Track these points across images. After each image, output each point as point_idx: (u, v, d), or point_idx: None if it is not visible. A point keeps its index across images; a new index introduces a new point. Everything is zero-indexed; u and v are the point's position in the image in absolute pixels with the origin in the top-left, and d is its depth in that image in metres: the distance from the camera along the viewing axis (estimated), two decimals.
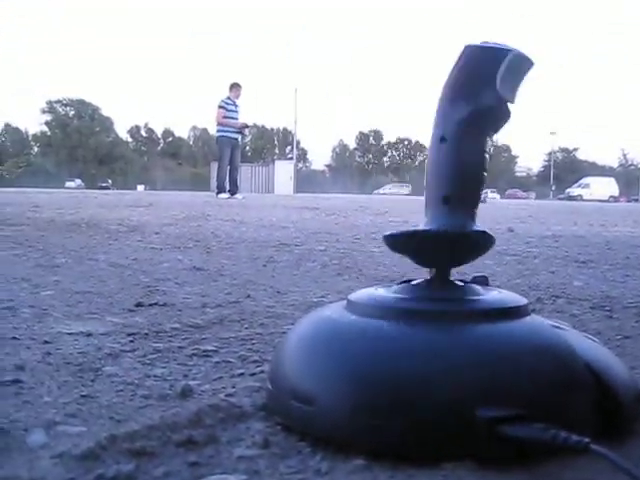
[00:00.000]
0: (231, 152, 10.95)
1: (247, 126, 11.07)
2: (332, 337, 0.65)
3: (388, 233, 0.68)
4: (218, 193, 10.85)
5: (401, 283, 0.69)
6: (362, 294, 0.69)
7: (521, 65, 0.66)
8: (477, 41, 0.67)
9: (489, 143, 0.68)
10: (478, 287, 0.68)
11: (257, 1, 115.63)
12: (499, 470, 0.54)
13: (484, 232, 0.66)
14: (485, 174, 0.67)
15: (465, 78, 0.66)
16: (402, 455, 0.56)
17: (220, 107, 10.91)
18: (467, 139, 0.66)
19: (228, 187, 10.99)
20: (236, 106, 11.03)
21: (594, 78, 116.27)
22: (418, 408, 0.56)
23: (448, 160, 0.66)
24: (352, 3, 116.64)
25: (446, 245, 0.66)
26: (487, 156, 0.67)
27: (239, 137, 11.22)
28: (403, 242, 0.68)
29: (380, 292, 0.68)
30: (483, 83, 0.64)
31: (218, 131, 11.01)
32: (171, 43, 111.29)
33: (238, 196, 10.71)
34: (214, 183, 12.21)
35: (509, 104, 0.65)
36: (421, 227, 0.67)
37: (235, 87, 11.16)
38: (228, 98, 11.03)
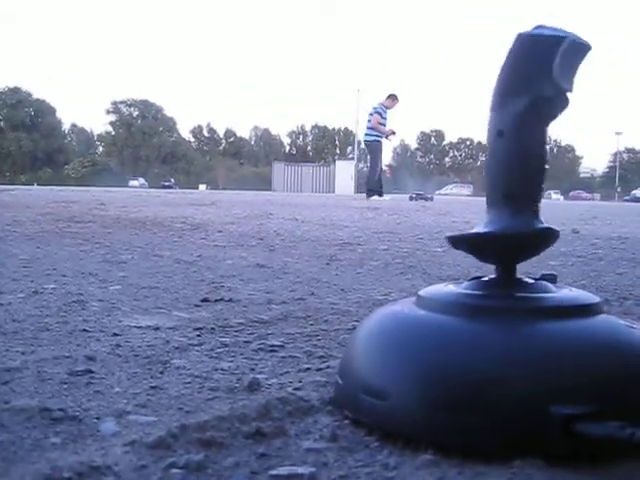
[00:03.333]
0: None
1: (394, 133, 11.33)
2: (403, 332, 0.64)
3: (450, 234, 0.67)
4: (370, 195, 11.08)
5: (471, 279, 0.69)
6: (432, 290, 0.68)
7: (578, 51, 0.63)
8: (530, 27, 0.64)
9: (548, 134, 0.65)
10: (549, 284, 0.67)
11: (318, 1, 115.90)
12: (568, 469, 0.53)
13: (548, 228, 0.65)
14: (546, 167, 0.66)
15: (520, 69, 0.64)
16: (473, 451, 0.55)
17: (377, 113, 11.19)
18: (526, 132, 0.64)
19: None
20: (386, 114, 11.33)
21: None
22: (491, 404, 0.55)
23: (507, 155, 0.65)
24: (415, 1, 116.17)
25: (511, 244, 0.65)
26: (547, 148, 0.66)
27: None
28: (466, 244, 0.68)
29: (450, 288, 0.67)
30: (539, 73, 0.62)
31: (371, 135, 11.29)
32: (233, 44, 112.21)
33: (385, 197, 10.96)
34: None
35: (567, 93, 0.63)
36: (483, 228, 0.66)
37: (392, 97, 11.45)
38: (384, 105, 11.32)
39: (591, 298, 0.65)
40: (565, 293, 0.66)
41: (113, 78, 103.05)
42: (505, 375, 0.56)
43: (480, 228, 0.67)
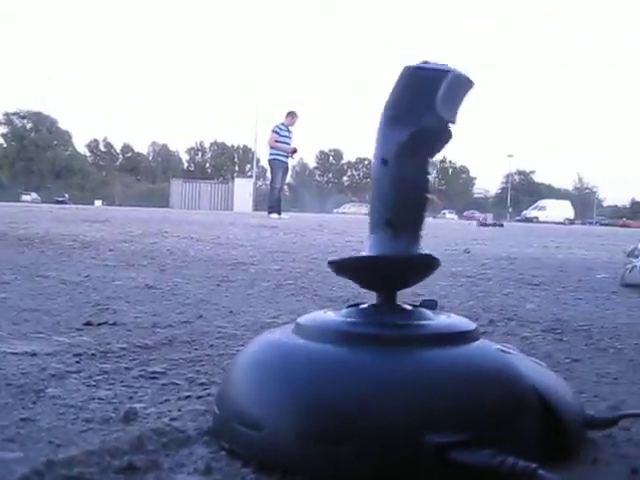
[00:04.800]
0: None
1: (296, 151, 11.43)
2: (279, 360, 0.64)
3: (332, 259, 0.67)
4: (270, 213, 11.22)
5: (350, 306, 0.69)
6: (310, 317, 0.68)
7: (461, 85, 0.65)
8: (417, 61, 0.66)
9: (431, 164, 0.67)
10: (427, 311, 0.68)
11: (220, 17, 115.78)
12: None
13: (428, 255, 0.66)
14: (428, 196, 0.67)
15: (405, 100, 0.65)
16: None
17: (273, 132, 11.50)
18: (408, 161, 0.65)
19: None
20: (289, 132, 11.59)
21: (551, 102, 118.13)
22: (365, 434, 0.55)
23: (390, 183, 0.66)
24: (313, 21, 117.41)
25: (390, 270, 0.66)
26: (429, 177, 0.67)
27: (288, 160, 11.72)
28: (348, 268, 0.68)
29: (329, 315, 0.67)
30: (423, 105, 0.64)
31: (270, 154, 11.56)
32: (130, 58, 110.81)
33: (284, 216, 11.08)
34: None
35: (450, 125, 0.65)
36: (364, 253, 0.66)
37: (291, 115, 11.73)
38: (282, 124, 11.56)
39: (467, 325, 0.66)
40: (442, 320, 0.66)
41: (4, 88, 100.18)
42: (378, 404, 0.56)
43: (360, 253, 0.67)
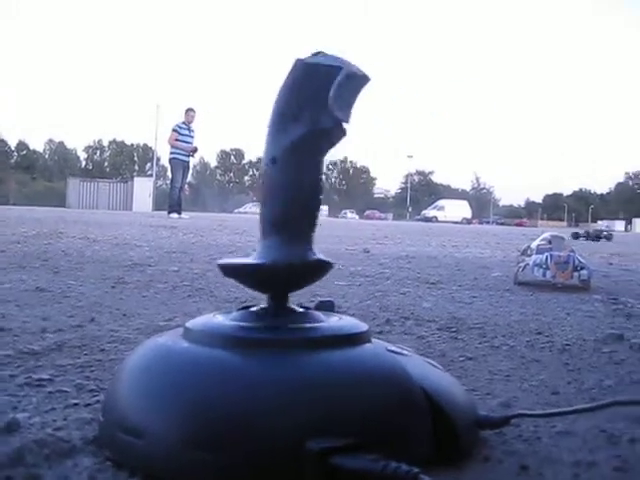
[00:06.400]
0: (183, 174, 11.34)
1: (196, 150, 11.28)
2: (163, 365, 0.62)
3: (221, 262, 0.66)
4: (170, 213, 11.07)
5: (241, 309, 0.68)
6: (199, 321, 0.67)
7: (355, 82, 0.62)
8: (309, 53, 0.63)
9: (323, 164, 0.65)
10: (318, 313, 0.67)
11: (121, 12, 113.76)
12: None
13: (318, 260, 0.65)
14: (320, 197, 0.65)
15: (296, 97, 0.63)
16: None
17: (173, 130, 11.38)
18: (300, 161, 0.63)
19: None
20: (190, 130, 11.46)
21: (449, 103, 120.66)
22: (246, 441, 0.54)
23: (279, 183, 0.64)
24: (216, 16, 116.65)
25: (279, 276, 0.65)
26: (322, 178, 0.65)
27: (189, 159, 11.61)
28: (236, 273, 0.67)
29: (217, 319, 0.66)
30: (315, 103, 0.61)
31: (171, 153, 11.41)
32: (25, 50, 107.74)
33: (184, 216, 10.92)
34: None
35: (343, 124, 0.62)
36: (252, 258, 0.65)
37: (188, 112, 11.60)
38: (182, 122, 11.45)
39: (358, 326, 0.66)
40: (333, 322, 0.66)
41: None
42: (259, 410, 0.55)
43: (250, 258, 0.65)
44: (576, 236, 10.81)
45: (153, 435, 0.57)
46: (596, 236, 10.96)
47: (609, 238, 11.12)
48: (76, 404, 0.79)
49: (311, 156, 0.64)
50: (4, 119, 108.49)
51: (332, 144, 0.64)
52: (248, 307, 0.68)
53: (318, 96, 0.61)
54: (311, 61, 0.63)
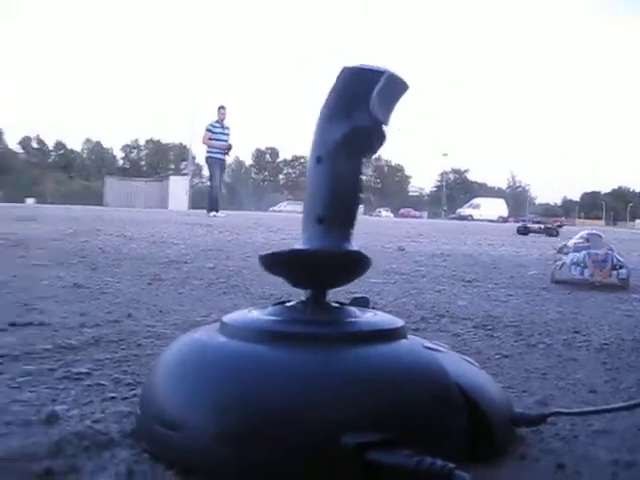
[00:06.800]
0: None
1: (230, 147, 11.35)
2: (199, 359, 0.63)
3: (263, 254, 0.66)
4: (209, 211, 11.21)
5: (276, 304, 0.68)
6: (235, 316, 0.67)
7: (395, 87, 0.66)
8: (355, 63, 0.67)
9: (365, 164, 0.67)
10: (354, 309, 0.67)
11: (156, 13, 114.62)
12: None
13: (359, 252, 0.66)
14: (361, 194, 0.67)
15: (341, 99, 0.66)
16: None
17: (206, 130, 11.52)
18: (342, 160, 0.65)
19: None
20: (224, 128, 11.59)
21: (485, 101, 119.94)
22: (282, 436, 0.54)
23: (324, 180, 0.66)
24: (250, 16, 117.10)
25: (319, 266, 0.65)
26: (362, 177, 0.67)
27: (225, 158, 11.75)
28: (277, 263, 0.67)
29: (253, 314, 0.66)
30: (358, 105, 0.64)
31: (207, 152, 11.54)
32: (63, 53, 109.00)
33: (220, 214, 11.03)
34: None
35: (384, 126, 0.66)
36: (295, 247, 0.66)
37: (219, 110, 11.72)
38: (215, 121, 11.59)
39: (394, 322, 0.66)
40: (368, 318, 0.66)
41: None
42: (296, 404, 0.55)
43: (291, 249, 0.66)
44: (525, 231, 10.03)
45: (190, 429, 0.57)
46: (547, 229, 10.03)
47: (555, 234, 9.97)
48: (113, 397, 0.80)
49: (352, 155, 0.66)
50: (43, 119, 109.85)
51: (372, 145, 0.67)
52: (284, 302, 0.68)
53: (361, 98, 0.64)
54: (357, 67, 0.66)
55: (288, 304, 0.67)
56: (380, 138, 0.66)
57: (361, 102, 0.64)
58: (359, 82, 0.65)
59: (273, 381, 0.57)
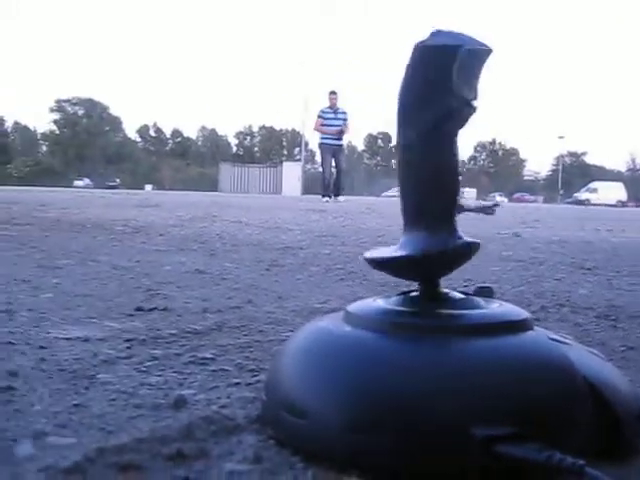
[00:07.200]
0: (334, 157, 11.54)
1: (342, 132, 11.43)
2: (326, 348, 0.63)
3: (369, 256, 0.66)
4: (323, 197, 11.47)
5: (400, 294, 0.68)
6: (360, 305, 0.67)
7: (477, 57, 0.60)
8: (428, 33, 0.61)
9: (458, 144, 0.63)
10: (479, 299, 0.67)
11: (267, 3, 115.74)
12: None
13: (467, 243, 0.64)
14: (459, 178, 0.64)
15: (419, 81, 0.61)
16: (395, 475, 0.54)
17: (318, 116, 11.72)
18: (434, 146, 0.62)
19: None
20: (336, 113, 11.66)
21: (603, 82, 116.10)
22: (409, 426, 0.54)
23: (417, 170, 0.63)
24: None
25: (429, 264, 0.64)
26: (458, 158, 0.63)
27: (341, 142, 11.82)
28: (385, 265, 0.67)
29: (378, 303, 0.66)
30: (440, 86, 0.60)
31: (320, 138, 11.73)
32: (181, 43, 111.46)
33: (340, 199, 11.11)
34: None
35: (472, 101, 0.61)
36: (399, 247, 0.65)
37: (330, 95, 11.79)
38: (328, 107, 11.71)
39: (519, 314, 0.64)
40: (493, 309, 0.65)
41: (57, 76, 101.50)
42: (425, 396, 0.55)
43: (397, 247, 0.65)
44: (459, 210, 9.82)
45: (316, 416, 0.58)
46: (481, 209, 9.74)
47: (492, 213, 9.70)
48: (238, 383, 0.82)
49: (444, 140, 0.62)
50: (159, 108, 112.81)
51: (464, 122, 0.62)
52: (408, 292, 0.68)
53: (442, 79, 0.60)
54: (430, 44, 0.61)
55: (413, 294, 0.67)
56: (470, 113, 0.61)
57: (442, 83, 0.59)
58: (436, 61, 0.60)
59: (399, 372, 0.57)
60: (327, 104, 11.70)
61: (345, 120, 11.61)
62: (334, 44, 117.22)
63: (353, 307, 0.67)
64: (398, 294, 0.68)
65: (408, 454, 0.54)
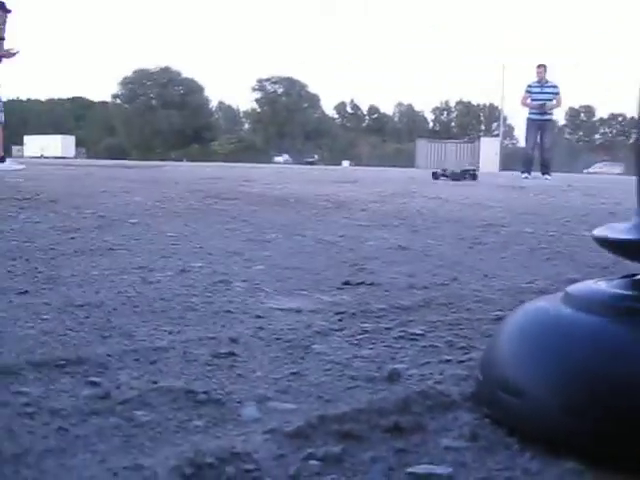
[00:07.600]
0: (539, 134, 11.14)
1: (543, 105, 11.14)
2: (545, 329, 0.62)
3: (599, 235, 0.64)
4: (522, 173, 11.14)
5: (624, 277, 0.65)
6: (581, 287, 0.65)
7: None
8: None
9: None
10: None
11: None
12: None
13: None
14: None
15: None
16: (618, 463, 0.52)
17: (525, 91, 11.29)
18: None
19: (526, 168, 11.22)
20: (543, 87, 11.20)
21: None
22: (628, 414, 0.52)
23: None
24: None
25: None
26: None
27: (547, 117, 11.40)
28: (615, 247, 0.64)
29: (600, 286, 0.64)
30: None
31: (527, 113, 11.34)
32: (376, 22, 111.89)
33: (547, 177, 10.78)
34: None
35: None
36: (631, 233, 0.62)
37: (537, 68, 11.35)
38: (536, 81, 11.28)
39: None
40: None
41: (258, 56, 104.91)
42: None
43: (629, 229, 0.63)
44: (435, 176, 9.29)
45: (532, 396, 0.57)
46: (460, 174, 9.29)
47: (474, 177, 9.40)
48: (449, 360, 0.82)
49: None
50: (356, 85, 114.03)
51: None
52: (633, 275, 0.65)
53: None
54: None
55: (637, 277, 0.64)
56: None
57: None
58: None
59: (626, 358, 0.55)
60: (535, 78, 11.29)
61: (555, 94, 11.12)
62: (537, 13, 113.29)
63: (573, 288, 0.65)
64: (620, 277, 0.65)
65: (627, 440, 0.52)
